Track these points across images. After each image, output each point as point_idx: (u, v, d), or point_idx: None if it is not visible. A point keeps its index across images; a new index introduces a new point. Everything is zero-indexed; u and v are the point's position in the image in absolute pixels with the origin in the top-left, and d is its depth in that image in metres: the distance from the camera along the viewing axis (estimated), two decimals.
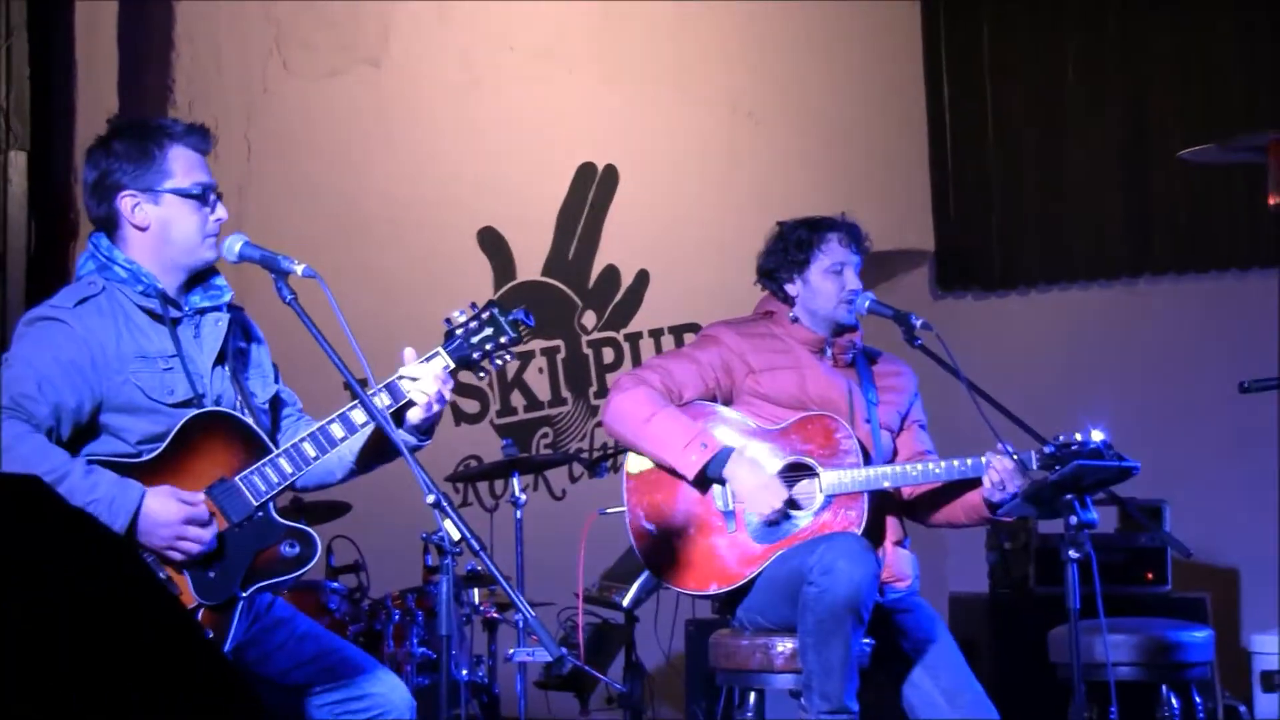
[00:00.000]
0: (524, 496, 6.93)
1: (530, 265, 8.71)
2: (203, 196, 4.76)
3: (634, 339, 8.91)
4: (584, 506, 7.70)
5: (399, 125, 8.33)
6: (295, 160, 8.06)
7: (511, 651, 6.63)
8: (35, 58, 7.68)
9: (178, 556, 4.46)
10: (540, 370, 8.72)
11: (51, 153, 7.67)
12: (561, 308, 8.79)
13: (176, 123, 4.85)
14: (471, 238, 8.56)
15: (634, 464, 6.09)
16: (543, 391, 8.72)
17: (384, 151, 8.29)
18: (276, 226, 7.81)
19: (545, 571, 7.33)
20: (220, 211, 4.78)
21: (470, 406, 8.51)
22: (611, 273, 8.91)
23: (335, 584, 6.55)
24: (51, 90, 7.70)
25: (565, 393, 8.75)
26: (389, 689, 4.95)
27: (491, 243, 8.61)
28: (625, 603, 7.20)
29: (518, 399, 8.66)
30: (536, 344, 8.69)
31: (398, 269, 8.19)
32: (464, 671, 6.52)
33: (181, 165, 4.75)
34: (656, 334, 8.92)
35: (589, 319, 8.86)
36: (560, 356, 8.78)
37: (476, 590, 6.71)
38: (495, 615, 6.83)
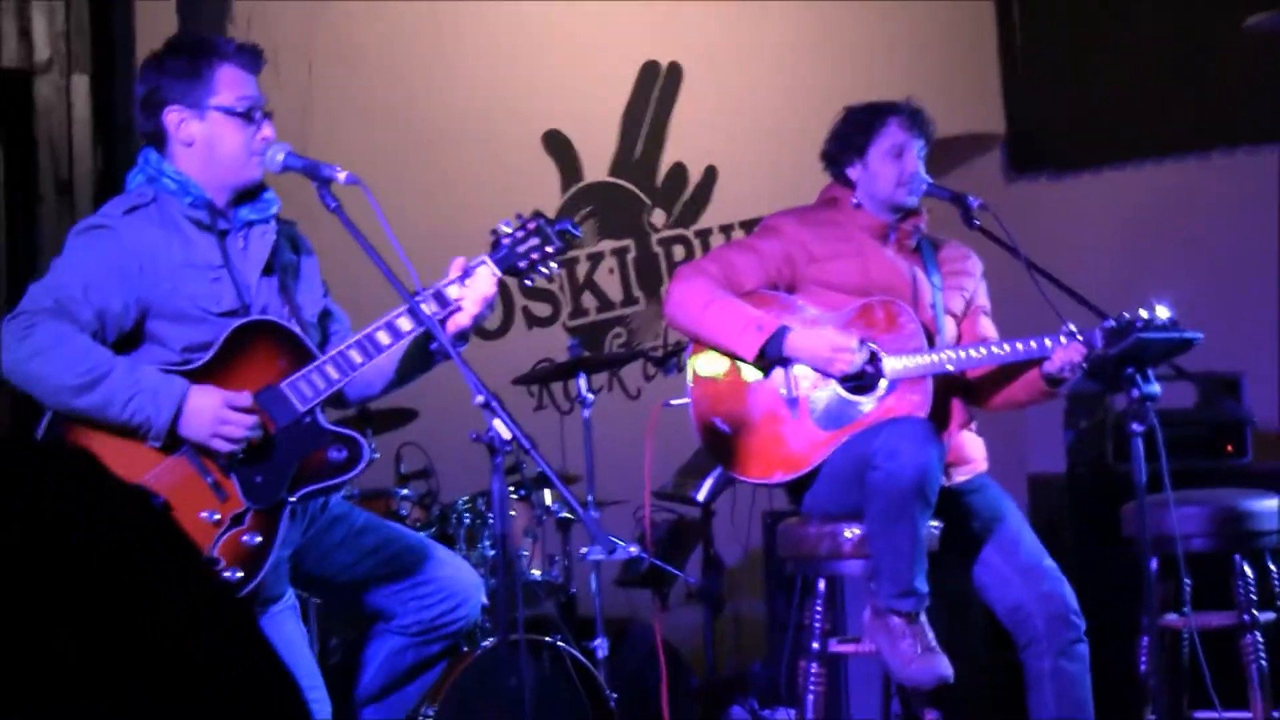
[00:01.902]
0: (590, 396, 6.93)
1: (597, 167, 8.70)
2: (248, 115, 4.80)
3: (704, 235, 8.90)
4: (658, 404, 7.72)
5: (458, 36, 8.32)
6: (357, 77, 8.06)
7: (585, 550, 6.65)
8: None
9: (222, 445, 4.52)
10: (611, 271, 8.71)
11: (113, 76, 7.68)
12: (630, 207, 8.77)
13: (230, 41, 4.90)
14: (536, 142, 8.55)
15: (696, 357, 6.10)
16: (614, 292, 8.72)
17: (444, 63, 8.28)
18: (341, 145, 7.81)
19: (621, 470, 7.34)
20: (267, 130, 4.83)
21: (542, 310, 8.52)
22: (679, 170, 8.89)
23: (405, 490, 6.58)
24: (111, 13, 7.71)
25: (637, 292, 8.75)
26: (454, 570, 5.03)
27: (557, 145, 8.60)
28: (700, 497, 7.21)
29: (589, 300, 8.66)
30: (606, 244, 8.69)
31: (465, 178, 8.19)
32: (536, 572, 6.55)
33: (228, 83, 4.80)
34: (727, 229, 8.90)
35: (658, 217, 8.84)
36: (630, 256, 8.76)
37: (547, 491, 6.71)
38: (568, 515, 6.84)
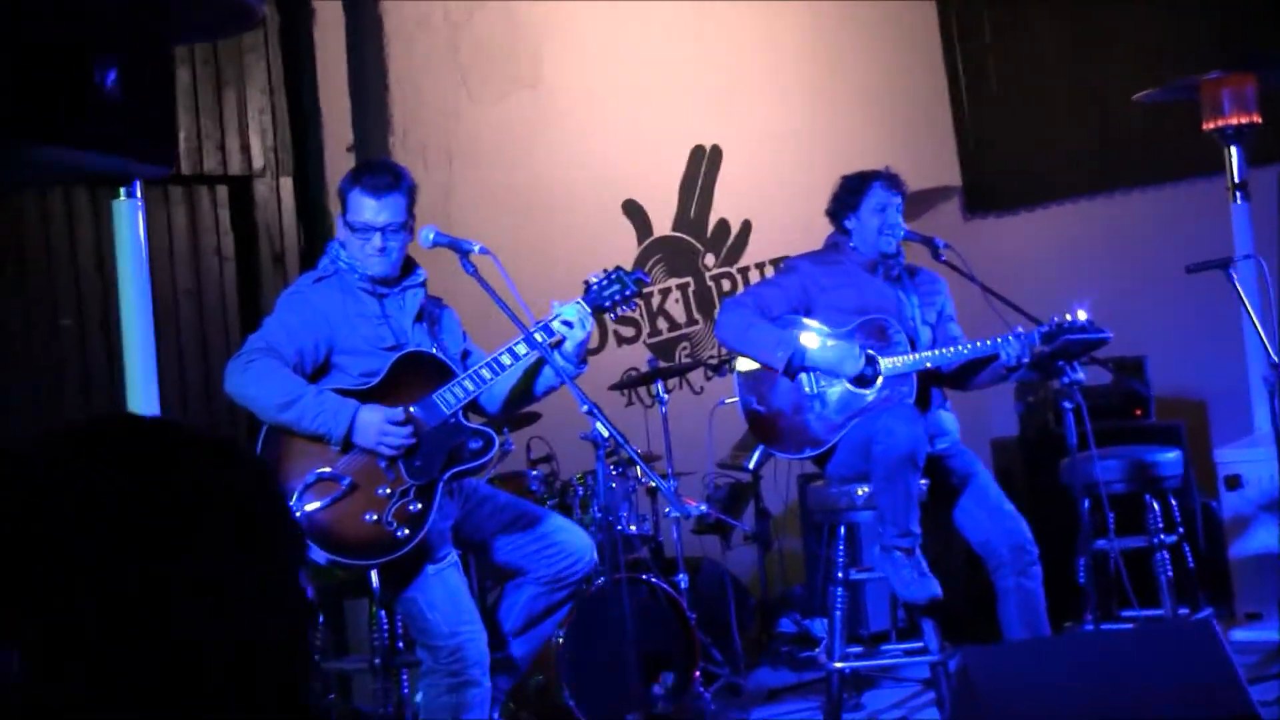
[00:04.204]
0: (666, 396, 6.92)
1: (663, 224, 8.66)
2: (364, 230, 4.83)
3: (744, 271, 8.86)
4: (716, 398, 7.71)
5: (556, 131, 8.30)
6: (485, 165, 8.05)
7: (668, 509, 6.64)
8: (292, 107, 7.74)
9: (385, 450, 4.62)
10: (676, 300, 8.67)
11: (308, 175, 7.72)
12: (689, 254, 8.74)
13: (368, 174, 4.89)
14: (618, 208, 8.53)
15: (742, 365, 6.11)
16: (680, 316, 8.69)
17: (547, 152, 8.27)
18: (475, 214, 7.83)
19: (690, 447, 7.35)
20: (376, 242, 4.85)
21: (628, 332, 8.49)
22: (723, 224, 8.85)
23: (534, 471, 6.58)
24: (305, 130, 7.75)
25: (697, 315, 8.71)
26: (574, 535, 5.07)
27: (633, 210, 8.57)
28: (751, 466, 7.21)
29: (662, 323, 8.63)
30: (672, 281, 8.66)
31: (565, 238, 8.17)
32: (633, 527, 6.54)
33: (355, 206, 4.87)
34: (760, 266, 8.87)
35: (709, 260, 8.80)
36: (691, 289, 8.73)
37: (639, 467, 6.69)
38: (655, 484, 6.82)
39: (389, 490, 4.66)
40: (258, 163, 7.59)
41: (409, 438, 4.65)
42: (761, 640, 7.51)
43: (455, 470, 4.75)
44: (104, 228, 7.16)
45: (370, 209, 4.82)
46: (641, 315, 8.56)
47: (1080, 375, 5.62)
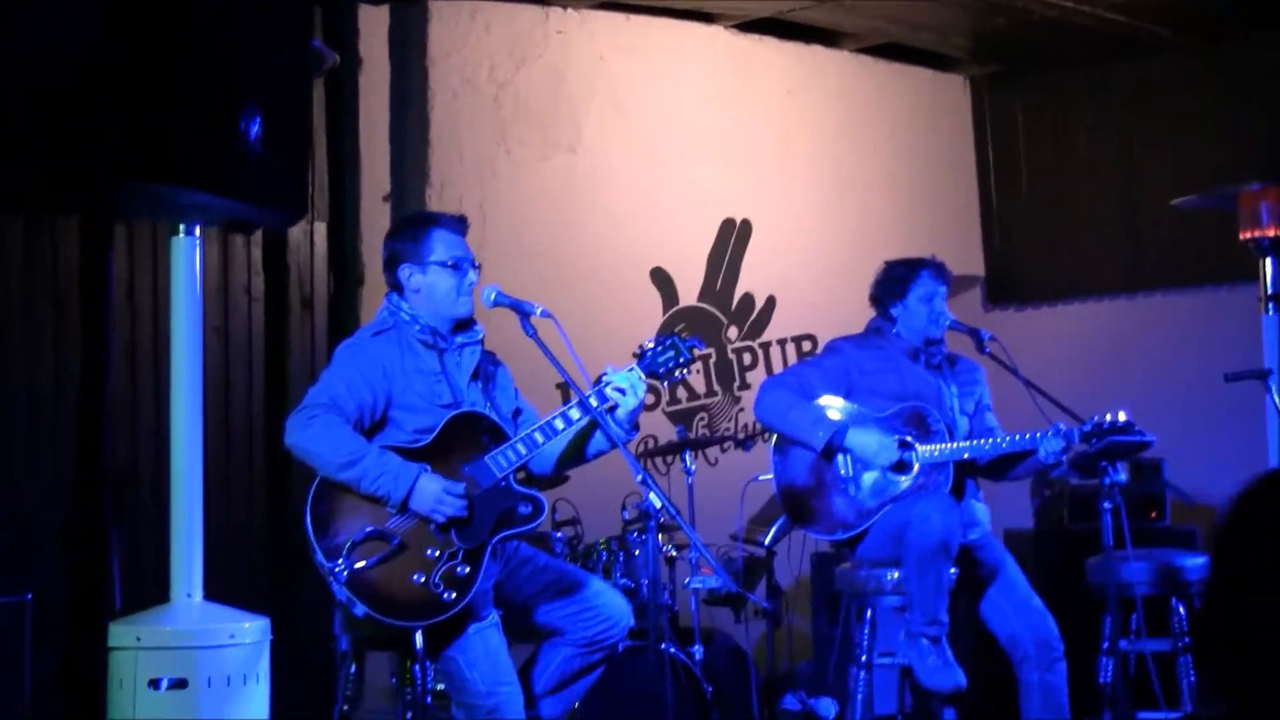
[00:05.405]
0: (694, 467, 6.90)
1: (689, 294, 8.66)
2: (457, 266, 4.84)
3: (765, 346, 8.86)
4: (731, 472, 7.71)
5: (591, 195, 8.31)
6: (518, 223, 8.05)
7: (688, 580, 6.62)
8: (331, 154, 7.73)
9: (438, 517, 4.59)
10: (698, 371, 8.67)
11: (344, 222, 7.71)
12: (712, 325, 8.74)
13: (442, 214, 4.97)
14: (646, 276, 8.52)
15: (779, 443, 6.09)
16: (700, 386, 8.68)
17: (580, 215, 8.27)
18: (505, 273, 7.76)
19: (702, 519, 7.30)
20: (473, 276, 4.87)
21: (647, 399, 8.46)
22: (748, 298, 8.85)
23: (558, 534, 6.53)
24: (343, 177, 7.74)
25: (716, 387, 8.70)
26: (613, 599, 5.05)
27: (660, 279, 8.57)
28: (766, 541, 7.18)
29: (682, 392, 8.62)
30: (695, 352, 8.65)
31: (591, 301, 8.15)
32: None
33: (442, 244, 4.85)
34: (782, 342, 8.88)
35: (732, 333, 8.81)
36: (712, 361, 8.73)
37: (660, 535, 6.65)
38: (674, 554, 6.79)
39: (438, 552, 4.63)
40: None
41: (463, 509, 4.63)
42: (764, 717, 7.45)
43: (504, 534, 4.72)
44: (137, 256, 7.13)
45: (459, 244, 4.89)
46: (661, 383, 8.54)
47: (1122, 477, 5.63)
